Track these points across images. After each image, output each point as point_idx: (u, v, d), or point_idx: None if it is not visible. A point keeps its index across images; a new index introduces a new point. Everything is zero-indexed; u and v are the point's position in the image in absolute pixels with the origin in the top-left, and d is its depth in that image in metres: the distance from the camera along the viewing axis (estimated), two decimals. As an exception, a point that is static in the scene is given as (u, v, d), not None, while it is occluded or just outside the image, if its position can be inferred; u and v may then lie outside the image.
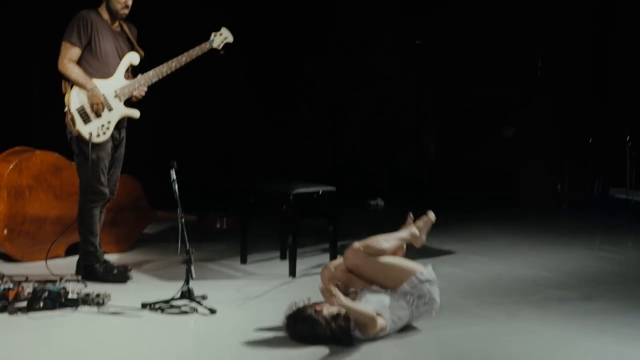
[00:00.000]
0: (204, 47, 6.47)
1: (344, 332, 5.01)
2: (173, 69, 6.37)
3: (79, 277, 6.17)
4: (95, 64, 6.26)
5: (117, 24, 6.39)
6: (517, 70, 11.13)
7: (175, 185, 5.93)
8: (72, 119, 6.18)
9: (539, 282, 6.61)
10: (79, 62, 6.22)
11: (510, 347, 5.10)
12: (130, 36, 6.44)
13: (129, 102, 6.37)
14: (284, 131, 11.29)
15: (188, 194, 7.88)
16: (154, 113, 6.83)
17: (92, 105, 6.18)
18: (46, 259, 6.50)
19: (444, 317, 5.58)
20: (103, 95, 6.21)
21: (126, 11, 6.32)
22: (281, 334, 5.16)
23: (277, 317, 5.26)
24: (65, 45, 6.20)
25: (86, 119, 6.20)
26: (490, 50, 11.13)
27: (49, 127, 8.38)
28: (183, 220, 5.86)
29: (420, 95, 11.88)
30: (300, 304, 5.16)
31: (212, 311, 5.60)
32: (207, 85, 10.42)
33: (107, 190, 6.33)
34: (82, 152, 6.24)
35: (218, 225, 7.60)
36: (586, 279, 6.75)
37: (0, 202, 6.72)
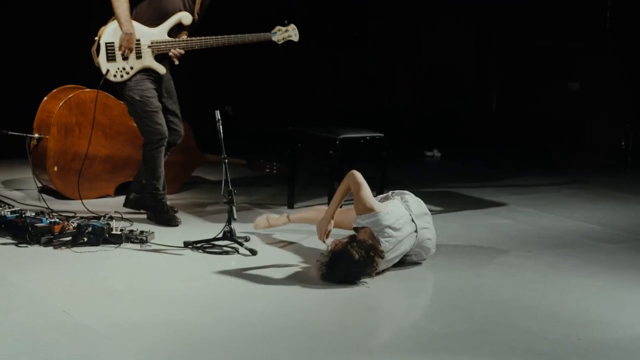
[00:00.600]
0: (262, 36, 6.36)
1: (371, 246, 5.12)
2: (219, 45, 6.28)
3: (123, 215, 6.22)
4: (150, 11, 6.20)
5: None
6: (585, 22, 10.86)
7: (219, 126, 5.89)
8: (97, 50, 6.13)
9: (588, 234, 6.49)
10: (136, 2, 6.18)
11: (547, 296, 5.06)
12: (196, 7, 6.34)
13: (163, 57, 6.26)
14: (344, 74, 11.23)
15: (239, 139, 7.94)
16: (207, 56, 6.76)
17: (121, 47, 6.13)
18: (80, 196, 6.53)
19: (483, 265, 5.59)
20: (138, 41, 6.15)
21: None
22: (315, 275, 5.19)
23: (315, 259, 5.28)
24: None
25: (111, 57, 6.14)
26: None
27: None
28: (227, 161, 5.84)
29: (482, 44, 11.69)
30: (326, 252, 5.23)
31: (253, 252, 5.61)
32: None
33: (164, 129, 6.22)
34: (125, 96, 6.24)
35: (267, 170, 7.57)
36: (637, 234, 6.60)
37: (51, 139, 6.77)
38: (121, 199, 6.66)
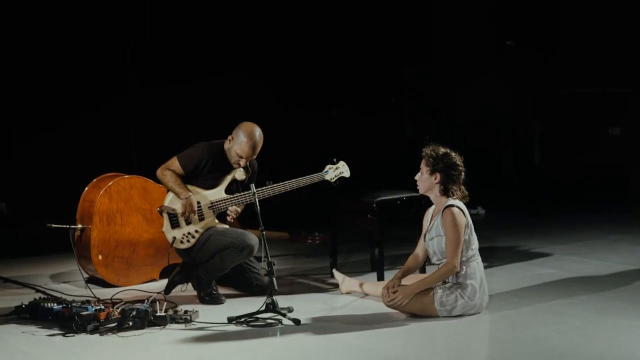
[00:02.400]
0: (315, 177, 6.47)
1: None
2: (276, 194, 6.36)
3: (166, 296, 6.27)
4: (207, 180, 6.37)
5: None
6: (623, 66, 10.84)
7: (255, 199, 6.00)
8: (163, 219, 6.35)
9: (635, 278, 6.42)
10: (190, 179, 6.35)
11: (593, 342, 5.00)
12: (248, 167, 6.48)
13: (224, 214, 6.40)
14: (382, 137, 11.30)
15: (280, 211, 7.98)
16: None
17: (183, 213, 6.28)
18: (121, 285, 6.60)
19: (528, 316, 5.56)
20: (198, 203, 6.31)
21: (237, 167, 6.38)
22: (362, 340, 5.14)
23: (360, 325, 5.27)
24: (174, 158, 6.33)
25: (175, 224, 6.32)
26: (591, 47, 10.88)
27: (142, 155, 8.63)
28: (264, 234, 5.90)
29: (519, 98, 11.70)
30: None
31: (296, 322, 5.62)
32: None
33: (256, 243, 6.24)
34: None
35: (310, 241, 7.60)
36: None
37: (94, 228, 6.88)
38: (165, 282, 6.72)
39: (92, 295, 6.38)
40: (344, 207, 6.98)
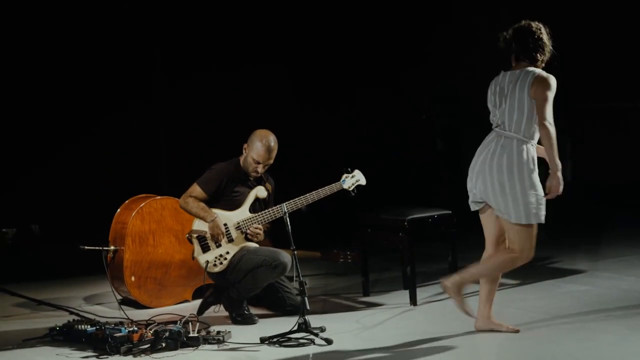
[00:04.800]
0: (334, 187, 6.49)
1: None
2: (299, 207, 6.38)
3: (198, 317, 6.29)
4: (223, 199, 6.43)
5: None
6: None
7: (287, 219, 6.05)
8: (193, 246, 6.40)
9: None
10: (212, 202, 6.41)
11: (628, 356, 4.98)
12: (267, 184, 6.56)
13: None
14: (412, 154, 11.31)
15: (312, 230, 8.00)
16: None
17: (212, 236, 6.33)
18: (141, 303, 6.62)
19: (560, 333, 5.53)
20: (225, 225, 6.36)
21: (255, 175, 6.45)
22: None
23: (393, 344, 5.27)
24: (194, 185, 6.40)
25: (205, 248, 6.37)
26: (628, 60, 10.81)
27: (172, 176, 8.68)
28: (296, 253, 5.92)
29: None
30: None
31: (329, 342, 5.62)
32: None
33: (277, 260, 6.23)
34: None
35: (342, 259, 7.59)
36: None
37: (126, 250, 6.92)
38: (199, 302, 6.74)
39: (125, 317, 6.40)
40: (372, 224, 6.96)
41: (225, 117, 9.87)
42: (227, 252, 6.35)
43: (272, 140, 6.40)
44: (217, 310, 6.49)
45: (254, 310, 6.42)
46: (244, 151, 6.47)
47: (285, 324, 5.90)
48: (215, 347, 5.72)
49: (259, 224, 6.39)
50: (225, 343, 5.77)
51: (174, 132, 10.12)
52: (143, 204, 7.05)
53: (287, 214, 6.10)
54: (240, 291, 6.30)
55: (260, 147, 6.36)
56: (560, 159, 5.39)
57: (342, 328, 5.98)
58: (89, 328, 5.93)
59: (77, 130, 9.75)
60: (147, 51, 9.96)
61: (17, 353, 5.83)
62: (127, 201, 7.22)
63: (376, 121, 11.04)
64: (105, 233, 7.15)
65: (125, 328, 5.84)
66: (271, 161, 6.43)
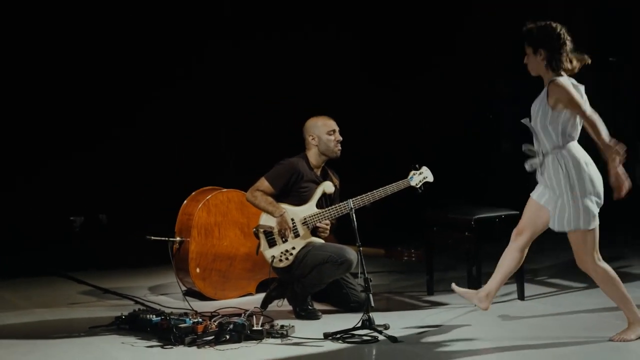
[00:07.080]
0: (402, 184, 6.44)
1: None
2: (365, 204, 6.35)
3: (262, 311, 6.29)
4: (292, 194, 6.43)
5: (320, 170, 6.53)
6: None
7: (352, 215, 6.03)
8: (259, 240, 6.41)
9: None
10: (280, 198, 6.41)
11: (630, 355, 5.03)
12: (334, 179, 6.57)
13: (317, 229, 6.43)
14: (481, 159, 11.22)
15: (379, 228, 7.97)
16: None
17: (279, 231, 6.33)
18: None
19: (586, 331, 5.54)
20: (292, 220, 6.35)
21: (338, 150, 6.45)
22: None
23: (456, 344, 5.23)
24: (262, 179, 6.39)
25: (272, 243, 6.37)
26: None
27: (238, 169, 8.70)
28: (361, 250, 5.90)
29: (618, 114, 11.46)
30: None
31: (393, 339, 5.59)
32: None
33: (343, 257, 6.23)
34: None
35: (406, 257, 7.53)
36: None
37: (192, 241, 6.96)
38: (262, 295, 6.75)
39: (190, 308, 6.44)
40: (438, 223, 6.90)
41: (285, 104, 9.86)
42: (293, 248, 6.35)
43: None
44: (281, 305, 6.49)
45: (317, 306, 6.41)
46: (309, 144, 6.47)
47: (348, 320, 5.88)
48: (278, 341, 5.72)
49: (326, 219, 6.37)
50: (289, 337, 5.77)
51: (237, 123, 10.17)
52: (209, 196, 7.08)
53: (353, 210, 6.09)
54: (305, 286, 6.29)
55: (321, 121, 6.45)
56: (631, 162, 5.27)
57: (406, 326, 5.94)
58: (154, 318, 5.97)
59: (146, 122, 9.85)
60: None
61: (84, 340, 5.89)
62: (193, 193, 7.26)
63: (443, 119, 10.96)
64: (171, 224, 7.20)
65: (190, 319, 5.87)
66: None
